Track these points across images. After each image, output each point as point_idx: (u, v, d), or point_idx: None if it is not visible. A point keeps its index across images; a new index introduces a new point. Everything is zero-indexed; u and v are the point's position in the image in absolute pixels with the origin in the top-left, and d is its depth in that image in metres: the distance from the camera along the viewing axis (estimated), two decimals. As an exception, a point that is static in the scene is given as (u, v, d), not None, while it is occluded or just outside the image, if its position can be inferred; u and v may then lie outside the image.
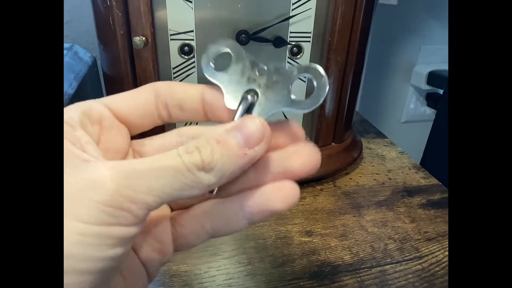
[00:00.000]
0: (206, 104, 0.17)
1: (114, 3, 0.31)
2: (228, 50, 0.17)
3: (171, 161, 0.13)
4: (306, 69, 0.16)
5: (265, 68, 0.17)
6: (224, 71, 0.17)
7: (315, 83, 0.16)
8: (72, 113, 0.15)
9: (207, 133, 0.15)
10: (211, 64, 0.17)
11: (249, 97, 0.16)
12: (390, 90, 0.80)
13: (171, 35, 0.34)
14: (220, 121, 0.17)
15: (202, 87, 0.17)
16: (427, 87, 0.75)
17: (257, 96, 0.17)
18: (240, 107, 0.16)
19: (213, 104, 0.17)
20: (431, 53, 0.75)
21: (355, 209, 0.36)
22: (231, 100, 0.17)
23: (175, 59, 0.36)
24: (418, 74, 0.76)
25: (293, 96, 0.16)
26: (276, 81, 0.16)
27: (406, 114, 0.83)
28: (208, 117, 0.17)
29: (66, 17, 0.54)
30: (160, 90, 0.17)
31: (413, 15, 0.73)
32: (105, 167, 0.13)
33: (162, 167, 0.13)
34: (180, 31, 0.34)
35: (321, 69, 0.16)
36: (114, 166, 0.13)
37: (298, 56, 0.38)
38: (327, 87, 0.16)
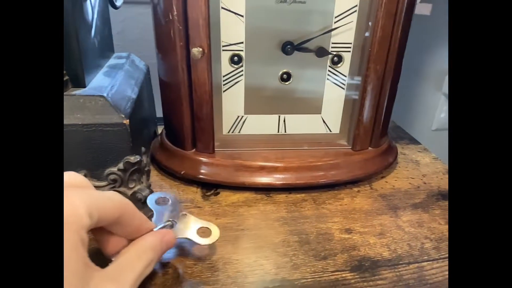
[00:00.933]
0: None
1: (176, 18, 0.35)
2: (169, 198, 0.32)
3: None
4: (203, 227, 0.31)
5: (185, 213, 0.31)
6: (161, 206, 0.31)
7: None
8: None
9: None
10: (155, 200, 0.32)
11: (169, 223, 0.30)
12: (422, 98, 0.81)
13: (223, 46, 0.38)
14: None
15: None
16: (460, 96, 0.75)
17: (174, 224, 0.30)
18: (162, 226, 0.29)
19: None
20: (464, 62, 0.76)
21: (391, 210, 0.38)
22: (157, 221, 0.29)
23: (226, 68, 0.39)
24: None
25: (196, 236, 0.30)
26: (187, 222, 0.31)
27: (437, 122, 0.83)
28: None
29: (118, 27, 0.59)
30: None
31: (445, 24, 0.74)
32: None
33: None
34: (231, 43, 0.38)
35: (216, 232, 0.30)
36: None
37: (339, 65, 0.40)
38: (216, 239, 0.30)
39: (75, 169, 0.31)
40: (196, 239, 0.30)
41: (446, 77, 0.77)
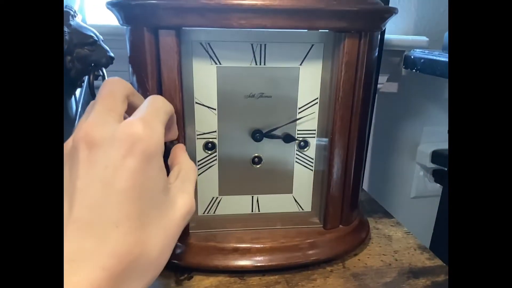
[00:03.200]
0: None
1: (153, 112, 0.38)
2: None
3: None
4: None
5: None
6: None
7: None
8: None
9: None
10: None
11: None
12: (397, 168, 0.84)
13: (197, 134, 0.41)
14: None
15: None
16: (432, 165, 0.79)
17: None
18: None
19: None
20: (433, 133, 0.81)
21: (363, 290, 0.39)
22: None
23: (200, 153, 0.42)
24: (422, 153, 0.80)
25: None
26: None
27: (415, 190, 0.86)
28: None
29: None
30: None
31: (413, 99, 0.80)
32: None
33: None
34: (205, 132, 0.41)
35: None
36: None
37: (305, 149, 0.43)
38: None
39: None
40: None
41: (418, 148, 0.82)
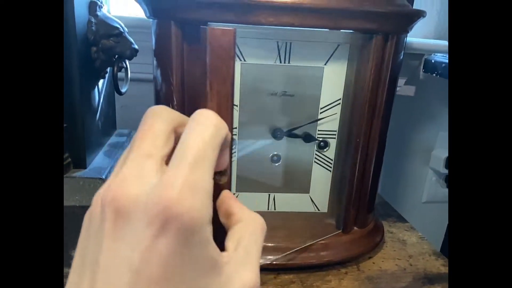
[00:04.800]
0: None
1: (176, 107, 0.38)
2: None
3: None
4: None
5: None
6: None
7: None
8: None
9: None
10: None
11: None
12: (410, 172, 0.84)
13: (217, 130, 0.41)
14: None
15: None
16: (445, 171, 0.78)
17: None
18: None
19: None
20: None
21: (378, 294, 0.38)
22: None
23: (219, 149, 0.42)
24: (436, 158, 0.80)
25: None
26: None
27: (427, 195, 0.85)
28: None
29: (122, 101, 0.63)
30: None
31: (429, 104, 0.79)
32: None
33: None
34: (226, 128, 0.41)
35: None
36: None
37: (325, 150, 0.43)
38: None
39: (69, 249, 0.32)
40: None
41: (432, 153, 0.81)
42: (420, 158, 0.82)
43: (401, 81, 0.72)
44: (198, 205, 0.17)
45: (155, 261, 0.16)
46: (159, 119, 0.20)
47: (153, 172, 0.18)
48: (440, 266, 0.44)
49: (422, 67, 0.69)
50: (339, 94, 0.41)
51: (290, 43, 0.38)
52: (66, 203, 0.32)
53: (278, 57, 0.38)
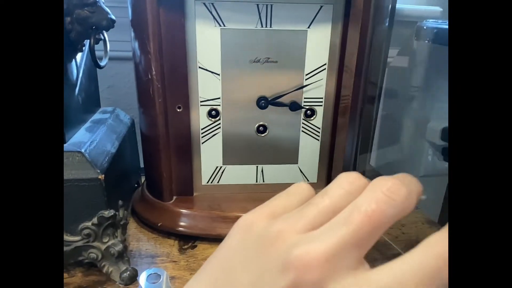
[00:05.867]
0: None
1: (155, 77, 0.37)
2: (161, 275, 0.31)
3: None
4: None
5: None
6: (153, 284, 0.30)
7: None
8: None
9: None
10: (147, 281, 0.30)
11: None
12: (406, 145, 0.83)
13: (201, 101, 0.40)
14: None
15: None
16: (442, 143, 0.77)
17: None
18: None
19: None
20: (444, 110, 0.79)
21: (370, 263, 0.38)
22: None
23: (204, 121, 0.41)
24: (432, 130, 0.78)
25: None
26: None
27: (425, 169, 0.84)
28: None
29: (109, 81, 0.62)
30: None
31: (424, 75, 0.77)
32: None
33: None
34: (209, 98, 0.40)
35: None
36: None
37: (312, 118, 0.42)
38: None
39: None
40: None
41: (428, 125, 0.80)
42: (416, 131, 0.81)
43: (393, 52, 0.71)
44: None
45: None
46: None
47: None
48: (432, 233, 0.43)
49: (414, 35, 0.67)
50: (325, 59, 0.39)
51: (271, 5, 0.36)
52: (43, 176, 0.31)
53: (260, 21, 0.37)
